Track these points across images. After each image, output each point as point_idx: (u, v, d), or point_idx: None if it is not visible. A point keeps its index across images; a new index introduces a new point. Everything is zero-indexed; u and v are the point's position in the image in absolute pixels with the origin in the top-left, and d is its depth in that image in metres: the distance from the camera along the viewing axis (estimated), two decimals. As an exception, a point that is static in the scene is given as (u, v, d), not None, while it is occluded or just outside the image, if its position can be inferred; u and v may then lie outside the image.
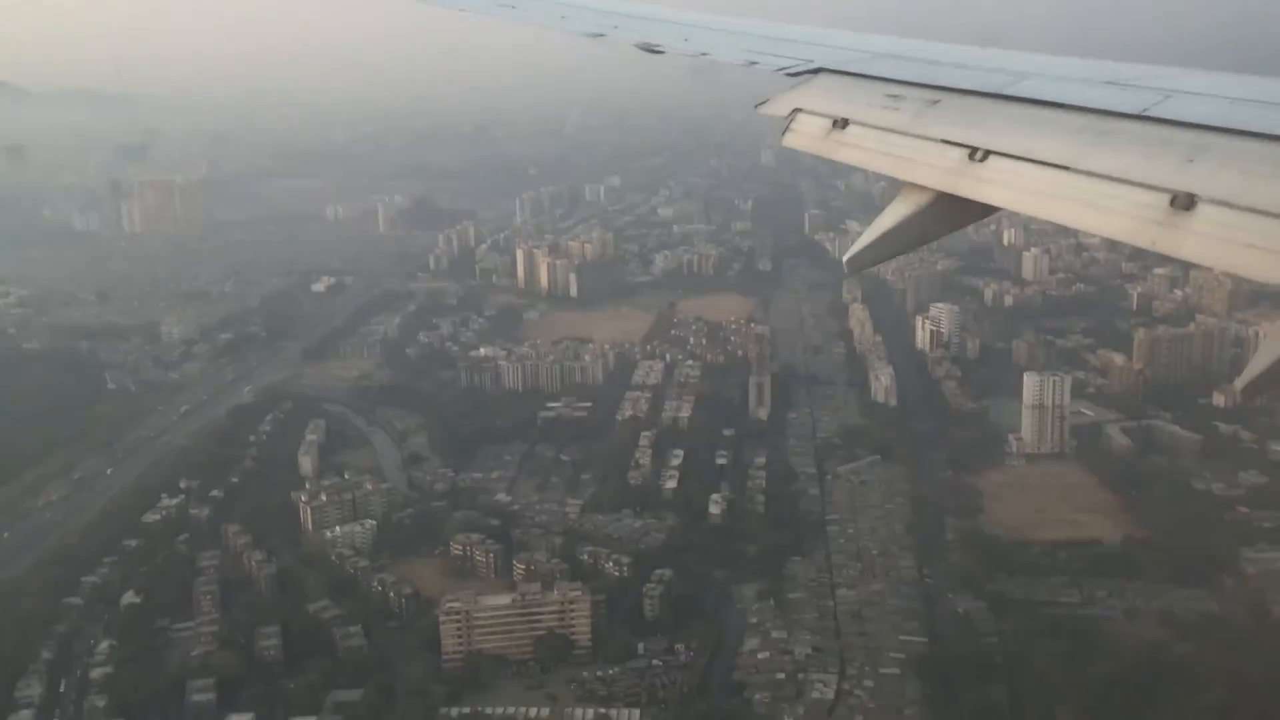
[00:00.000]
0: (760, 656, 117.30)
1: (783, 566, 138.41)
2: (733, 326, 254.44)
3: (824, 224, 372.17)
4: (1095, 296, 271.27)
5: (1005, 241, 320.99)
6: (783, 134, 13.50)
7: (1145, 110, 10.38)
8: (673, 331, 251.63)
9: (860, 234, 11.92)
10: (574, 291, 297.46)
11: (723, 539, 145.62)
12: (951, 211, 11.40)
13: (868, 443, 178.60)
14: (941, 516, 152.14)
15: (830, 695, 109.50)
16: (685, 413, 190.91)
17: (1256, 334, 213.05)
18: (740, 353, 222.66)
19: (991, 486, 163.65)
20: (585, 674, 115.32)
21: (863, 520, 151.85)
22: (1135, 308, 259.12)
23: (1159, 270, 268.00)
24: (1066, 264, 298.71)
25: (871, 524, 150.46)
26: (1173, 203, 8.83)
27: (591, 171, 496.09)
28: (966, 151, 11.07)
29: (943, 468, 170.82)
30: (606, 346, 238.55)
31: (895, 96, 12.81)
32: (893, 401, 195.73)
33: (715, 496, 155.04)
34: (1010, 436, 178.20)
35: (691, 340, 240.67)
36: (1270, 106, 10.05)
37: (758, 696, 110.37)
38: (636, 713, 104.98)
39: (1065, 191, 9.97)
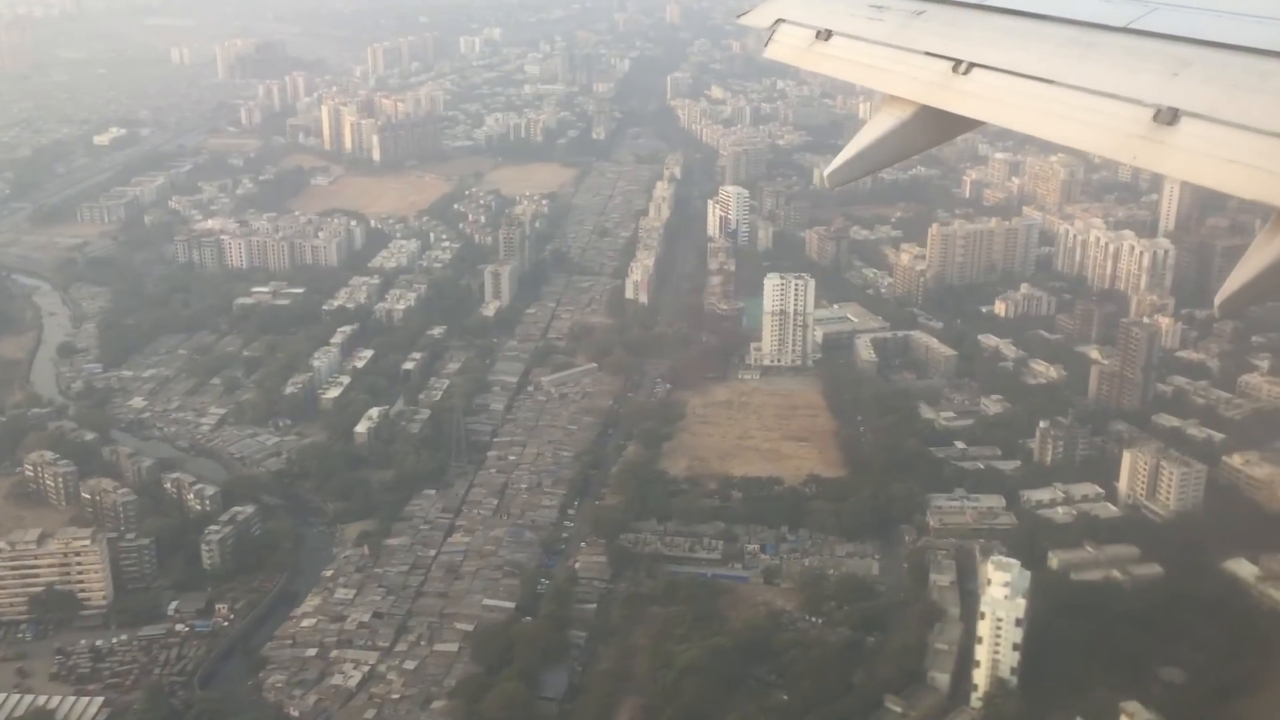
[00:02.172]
0: (306, 624, 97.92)
1: (407, 502, 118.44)
2: (524, 202, 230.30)
3: (688, 89, 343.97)
4: (932, 181, 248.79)
5: (862, 115, 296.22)
6: (765, 45, 13.79)
7: (1130, 23, 10.32)
8: (456, 206, 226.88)
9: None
10: (377, 155, 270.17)
11: (355, 464, 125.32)
12: (934, 125, 11.48)
13: (591, 347, 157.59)
14: (626, 442, 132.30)
15: (354, 682, 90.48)
16: (405, 304, 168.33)
17: (1069, 231, 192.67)
18: (515, 234, 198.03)
19: (704, 405, 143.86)
20: (84, 642, 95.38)
21: (534, 444, 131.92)
22: (968, 195, 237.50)
23: (999, 155, 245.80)
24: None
25: (541, 449, 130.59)
26: (1156, 117, 8.90)
27: (486, 21, 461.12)
28: (950, 64, 11.13)
29: (662, 380, 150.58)
30: (373, 221, 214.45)
31: (879, 7, 12.76)
32: (644, 298, 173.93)
33: (371, 412, 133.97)
34: (752, 346, 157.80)
35: (470, 217, 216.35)
36: (1255, 20, 9.91)
37: (271, 679, 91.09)
38: (86, 702, 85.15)
39: (1048, 105, 9.99)
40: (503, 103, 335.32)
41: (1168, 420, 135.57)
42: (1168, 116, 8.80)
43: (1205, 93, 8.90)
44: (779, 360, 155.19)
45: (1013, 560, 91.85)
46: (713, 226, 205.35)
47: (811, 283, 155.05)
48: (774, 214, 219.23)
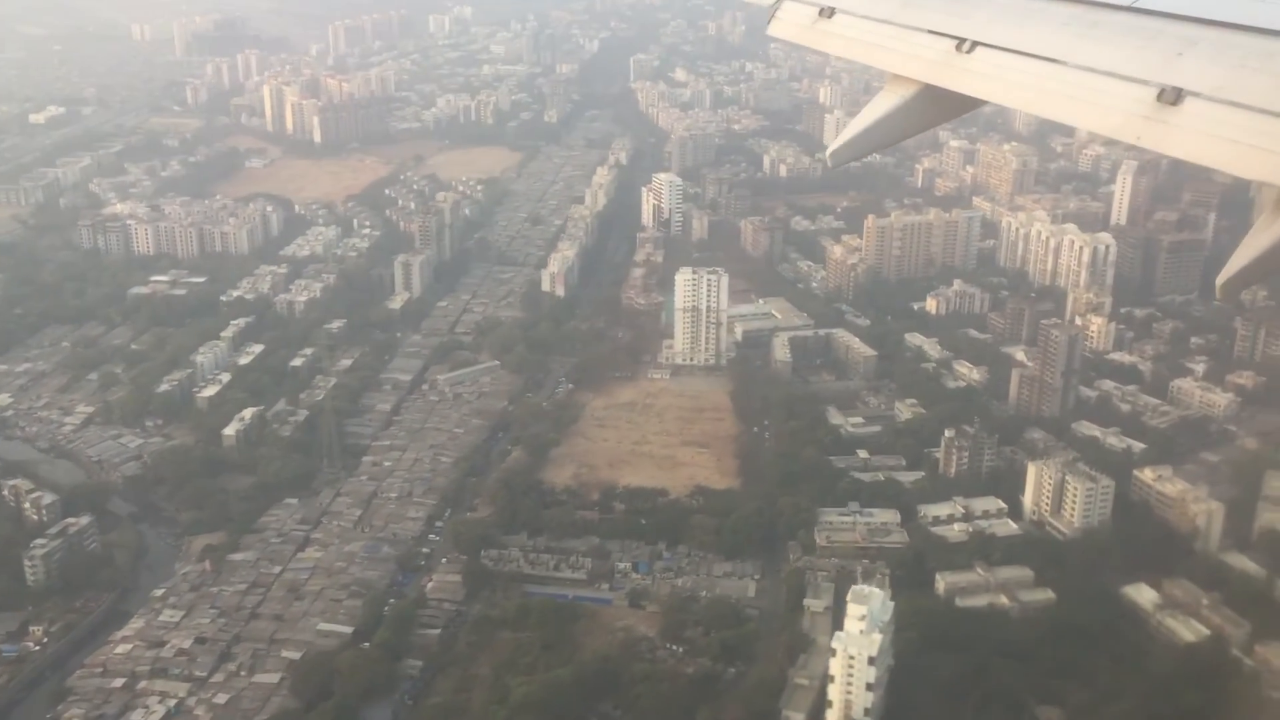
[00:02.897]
0: (120, 650, 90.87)
1: (264, 511, 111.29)
2: (457, 188, 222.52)
3: (652, 71, 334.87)
4: (886, 169, 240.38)
5: (822, 99, 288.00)
6: (769, 22, 13.83)
7: (1135, 2, 10.29)
8: (388, 191, 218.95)
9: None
10: (318, 137, 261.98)
11: (217, 470, 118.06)
12: (938, 104, 11.60)
13: (496, 343, 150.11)
14: (511, 447, 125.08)
15: (156, 717, 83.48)
16: (308, 296, 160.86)
17: (1011, 224, 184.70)
18: (432, 222, 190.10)
19: (605, 407, 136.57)
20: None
21: (415, 449, 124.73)
22: (920, 184, 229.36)
23: (954, 142, 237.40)
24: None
25: (420, 454, 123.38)
26: (1160, 97, 8.98)
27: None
28: (954, 42, 11.19)
29: (566, 379, 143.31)
30: (297, 207, 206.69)
31: None
32: (560, 291, 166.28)
33: (245, 413, 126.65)
34: (665, 344, 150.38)
35: (400, 203, 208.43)
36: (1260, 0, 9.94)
37: (69, 714, 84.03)
38: None
39: (1052, 85, 10.05)
40: (460, 83, 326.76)
41: (1088, 429, 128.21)
42: (1172, 96, 8.92)
43: (1210, 73, 9.00)
44: (692, 359, 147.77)
45: (874, 590, 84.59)
46: (647, 215, 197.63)
47: (724, 278, 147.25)
48: (716, 202, 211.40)
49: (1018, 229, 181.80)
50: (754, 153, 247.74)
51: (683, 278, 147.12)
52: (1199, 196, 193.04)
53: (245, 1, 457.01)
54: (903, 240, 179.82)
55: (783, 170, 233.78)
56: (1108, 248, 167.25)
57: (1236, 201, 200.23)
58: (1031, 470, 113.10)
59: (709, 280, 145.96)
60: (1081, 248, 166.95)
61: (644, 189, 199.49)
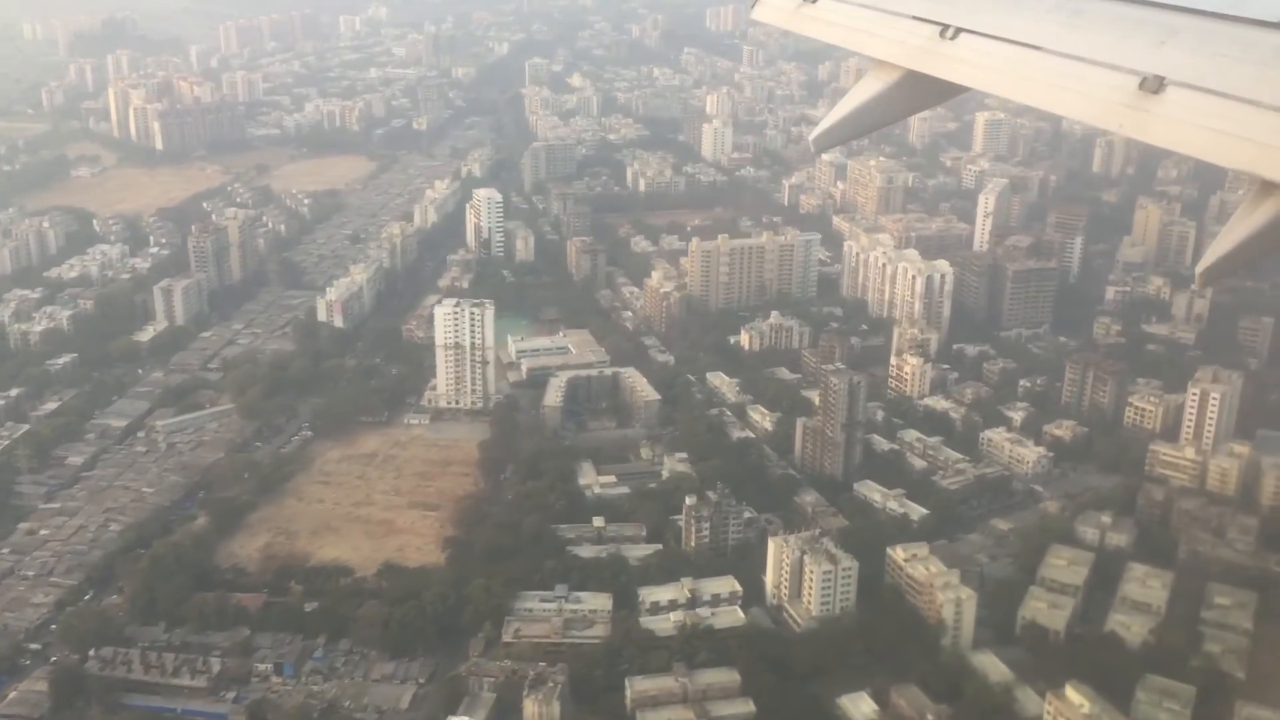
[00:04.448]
0: None
1: None
2: (289, 201, 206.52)
3: (549, 77, 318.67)
4: (759, 184, 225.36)
5: (709, 108, 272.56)
6: (752, 7, 14.19)
7: None
8: (205, 205, 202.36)
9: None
10: (160, 144, 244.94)
11: None
12: (920, 90, 11.65)
13: (240, 381, 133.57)
14: (199, 512, 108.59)
15: None
16: (47, 325, 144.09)
17: (853, 248, 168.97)
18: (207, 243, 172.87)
19: (340, 460, 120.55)
20: None
21: (86, 513, 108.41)
22: (786, 201, 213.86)
23: (827, 157, 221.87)
24: (763, 141, 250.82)
25: (89, 520, 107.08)
26: (1142, 85, 9.07)
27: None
28: (937, 28, 11.28)
29: (307, 426, 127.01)
30: (96, 222, 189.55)
31: None
32: (339, 322, 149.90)
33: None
34: (430, 384, 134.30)
35: (214, 217, 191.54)
36: None
37: None
38: None
39: (1035, 72, 10.17)
40: (344, 87, 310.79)
41: (871, 490, 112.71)
42: (1153, 85, 8.99)
43: (1191, 61, 9.10)
44: (457, 401, 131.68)
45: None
46: (470, 235, 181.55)
47: (489, 310, 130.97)
48: (559, 219, 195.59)
49: (858, 254, 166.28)
50: (620, 164, 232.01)
51: (442, 311, 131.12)
52: (1064, 218, 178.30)
53: (159, 2, 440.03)
54: (731, 266, 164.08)
55: (641, 185, 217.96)
56: (944, 276, 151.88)
57: (1117, 220, 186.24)
58: (771, 547, 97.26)
59: (471, 314, 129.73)
60: (915, 276, 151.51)
61: (467, 206, 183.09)
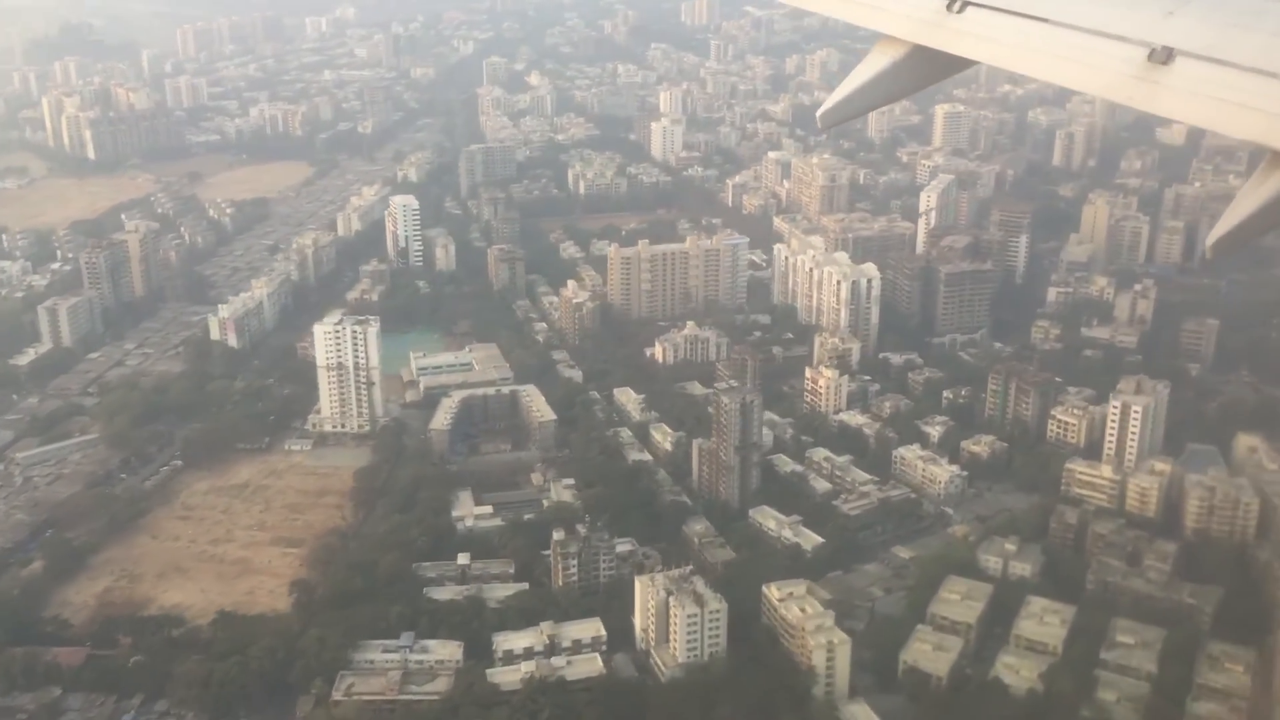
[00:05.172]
0: None
1: None
2: (211, 210, 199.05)
3: (507, 77, 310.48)
4: (706, 184, 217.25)
5: (662, 105, 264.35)
6: None
7: None
8: (123, 216, 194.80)
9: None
10: (92, 153, 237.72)
11: None
12: (927, 65, 11.39)
13: (112, 409, 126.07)
14: (34, 554, 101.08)
15: None
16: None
17: (781, 252, 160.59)
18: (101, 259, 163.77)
19: (206, 492, 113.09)
20: None
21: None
22: (730, 202, 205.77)
23: (773, 154, 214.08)
24: (716, 139, 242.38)
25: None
26: (1150, 56, 8.86)
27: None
28: (944, 2, 10.98)
29: (177, 455, 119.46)
30: (6, 237, 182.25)
31: None
32: (233, 341, 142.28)
33: None
34: (315, 408, 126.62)
35: (133, 229, 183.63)
36: None
37: None
38: None
39: (1042, 45, 9.95)
40: (297, 90, 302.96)
41: (766, 517, 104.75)
42: (1162, 56, 8.79)
43: (1200, 32, 8.89)
44: (342, 425, 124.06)
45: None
46: (390, 244, 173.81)
47: (374, 329, 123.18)
48: (489, 225, 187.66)
49: (787, 258, 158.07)
50: (563, 165, 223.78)
51: (323, 329, 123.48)
52: (1008, 216, 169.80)
53: (125, 5, 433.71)
54: (653, 273, 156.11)
55: (582, 187, 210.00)
56: (870, 281, 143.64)
57: (1072, 216, 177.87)
58: (638, 587, 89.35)
59: (354, 332, 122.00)
60: (840, 282, 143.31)
61: (386, 214, 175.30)
